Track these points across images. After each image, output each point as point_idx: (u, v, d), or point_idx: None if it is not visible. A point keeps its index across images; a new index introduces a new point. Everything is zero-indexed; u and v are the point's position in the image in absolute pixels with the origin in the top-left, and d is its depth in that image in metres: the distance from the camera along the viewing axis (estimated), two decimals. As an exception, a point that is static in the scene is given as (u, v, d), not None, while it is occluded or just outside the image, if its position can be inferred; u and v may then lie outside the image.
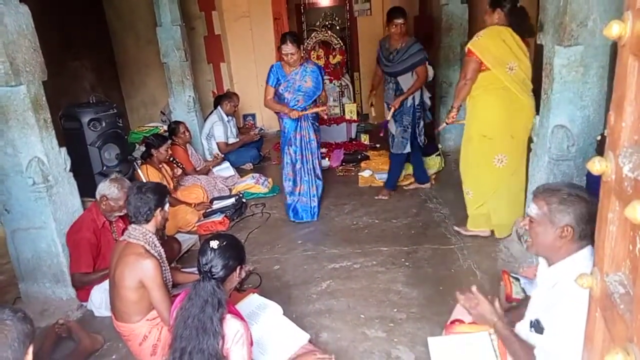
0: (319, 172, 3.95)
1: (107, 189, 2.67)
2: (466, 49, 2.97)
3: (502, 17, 2.90)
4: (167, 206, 2.38)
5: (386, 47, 3.91)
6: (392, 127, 3.99)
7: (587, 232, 1.43)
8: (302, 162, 3.85)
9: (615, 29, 0.80)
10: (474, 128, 3.07)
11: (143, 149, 4.15)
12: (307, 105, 3.72)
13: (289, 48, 3.54)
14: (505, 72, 2.87)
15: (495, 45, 2.87)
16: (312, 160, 3.87)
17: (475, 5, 5.07)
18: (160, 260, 2.25)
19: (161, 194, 2.34)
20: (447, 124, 3.30)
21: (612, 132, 0.88)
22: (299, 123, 3.75)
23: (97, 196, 2.70)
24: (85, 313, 2.83)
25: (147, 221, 2.28)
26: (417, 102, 3.96)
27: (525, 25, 2.91)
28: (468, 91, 2.98)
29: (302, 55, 3.70)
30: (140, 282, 2.15)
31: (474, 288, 1.74)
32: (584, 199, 1.45)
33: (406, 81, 3.86)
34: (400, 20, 3.75)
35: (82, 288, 2.81)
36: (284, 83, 3.69)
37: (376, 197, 4.15)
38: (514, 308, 1.94)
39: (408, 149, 4.01)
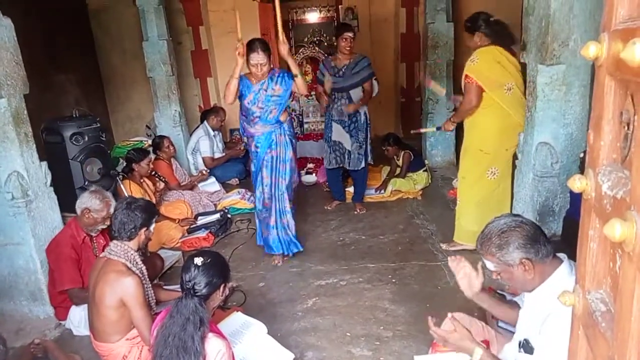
0: (286, 204, 3.34)
1: (88, 201, 2.59)
2: (464, 75, 2.98)
3: (484, 37, 2.95)
4: (152, 226, 2.34)
5: (332, 65, 3.98)
6: (348, 144, 4.04)
7: (541, 250, 1.46)
8: (271, 187, 3.30)
9: (592, 50, 0.81)
10: (471, 142, 3.12)
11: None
12: (279, 114, 3.22)
13: (260, 57, 3.02)
14: (504, 94, 2.91)
15: (490, 69, 2.90)
16: (283, 187, 3.31)
17: (461, 23, 5.16)
18: (142, 278, 2.20)
19: (150, 213, 2.31)
20: (422, 131, 3.59)
21: (592, 150, 0.89)
22: (275, 138, 3.24)
23: (78, 210, 2.62)
24: (63, 332, 2.75)
25: (130, 239, 2.23)
26: (368, 118, 4.07)
27: (508, 36, 2.96)
28: (471, 113, 3.03)
29: (271, 66, 3.18)
30: (121, 300, 2.09)
31: (449, 316, 1.74)
32: (513, 228, 1.49)
33: (357, 94, 3.96)
34: (350, 34, 3.86)
35: (78, 305, 2.66)
36: (250, 95, 3.16)
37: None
38: (498, 304, 1.93)
39: (363, 164, 4.09)
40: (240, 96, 3.18)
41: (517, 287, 1.60)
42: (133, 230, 2.22)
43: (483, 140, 3.03)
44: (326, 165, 4.26)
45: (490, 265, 1.55)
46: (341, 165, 4.16)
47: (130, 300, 2.08)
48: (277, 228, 3.37)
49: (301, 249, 3.47)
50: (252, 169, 3.39)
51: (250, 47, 3.05)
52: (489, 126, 2.98)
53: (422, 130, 3.55)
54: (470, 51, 3.04)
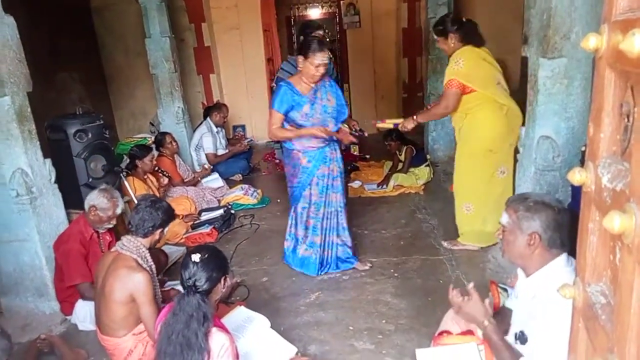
0: (345, 220, 3.07)
1: (96, 199, 2.63)
2: (447, 80, 2.90)
3: (458, 38, 2.94)
4: (167, 229, 2.38)
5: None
6: None
7: (556, 240, 1.45)
8: (325, 204, 2.99)
9: (592, 42, 0.82)
10: (477, 144, 3.01)
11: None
12: (336, 128, 2.93)
13: (326, 55, 2.69)
14: (496, 89, 2.91)
15: (479, 67, 2.89)
16: (342, 202, 3.04)
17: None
18: (152, 275, 2.22)
19: (170, 216, 2.36)
20: (379, 127, 3.35)
21: (591, 143, 0.89)
22: (328, 154, 2.93)
23: (86, 207, 2.66)
24: (69, 327, 2.77)
25: (145, 236, 2.26)
26: None
27: (479, 36, 2.98)
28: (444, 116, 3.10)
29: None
30: (131, 296, 2.11)
31: (471, 285, 1.69)
32: (551, 206, 1.48)
33: None
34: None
35: (86, 300, 2.64)
36: (305, 106, 2.80)
37: None
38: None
39: None
40: (289, 110, 2.81)
41: (510, 255, 1.57)
42: (151, 228, 2.24)
43: (491, 139, 2.96)
44: None
45: (505, 219, 1.55)
46: None
47: (140, 297, 2.09)
48: (324, 247, 3.06)
49: (355, 265, 3.14)
50: (295, 184, 3.00)
51: (313, 46, 2.68)
52: (493, 124, 2.94)
53: (379, 125, 3.27)
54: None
